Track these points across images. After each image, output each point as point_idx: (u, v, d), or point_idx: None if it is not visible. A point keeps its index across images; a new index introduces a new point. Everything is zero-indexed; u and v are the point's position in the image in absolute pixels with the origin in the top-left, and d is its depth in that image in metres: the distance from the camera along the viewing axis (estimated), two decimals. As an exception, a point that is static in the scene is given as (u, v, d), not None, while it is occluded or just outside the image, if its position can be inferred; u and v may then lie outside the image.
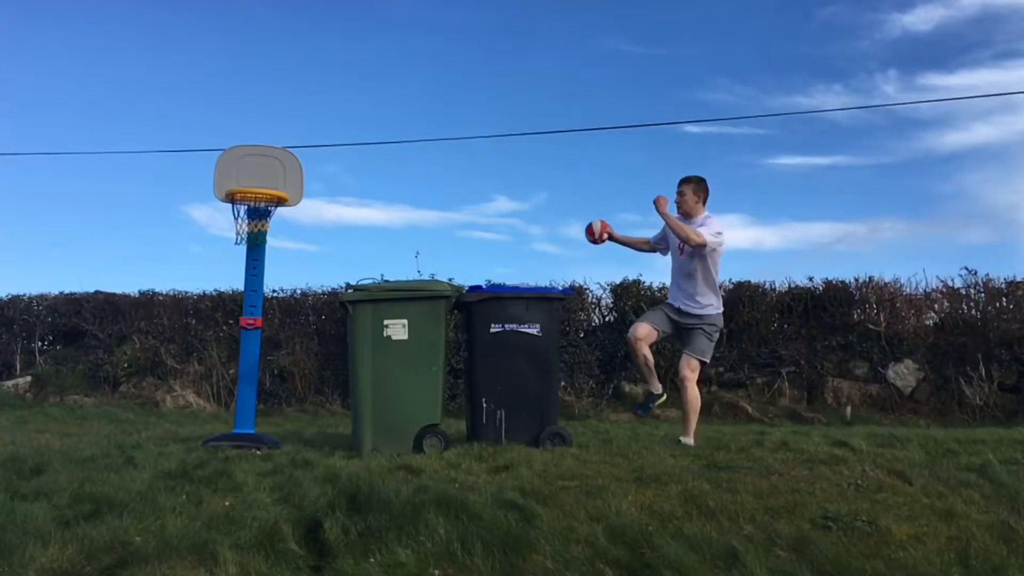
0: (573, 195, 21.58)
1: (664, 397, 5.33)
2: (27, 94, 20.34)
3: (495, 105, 20.45)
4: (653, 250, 5.44)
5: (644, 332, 5.13)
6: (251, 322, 5.74)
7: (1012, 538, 2.73)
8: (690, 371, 5.04)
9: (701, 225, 5.01)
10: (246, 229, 5.77)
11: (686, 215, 5.10)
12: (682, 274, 5.13)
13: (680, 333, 5.21)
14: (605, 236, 5.31)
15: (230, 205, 5.73)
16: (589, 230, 5.30)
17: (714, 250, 5.01)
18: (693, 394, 5.07)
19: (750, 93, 19.23)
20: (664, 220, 5.09)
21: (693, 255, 5.02)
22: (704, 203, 5.16)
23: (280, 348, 10.24)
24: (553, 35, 20.81)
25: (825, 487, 3.51)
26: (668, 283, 5.45)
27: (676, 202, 5.15)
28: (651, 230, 5.46)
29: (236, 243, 5.77)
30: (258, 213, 5.76)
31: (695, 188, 5.14)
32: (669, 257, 5.30)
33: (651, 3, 20.31)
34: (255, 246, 5.78)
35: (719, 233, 5.01)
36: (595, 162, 20.76)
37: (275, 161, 5.80)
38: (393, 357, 4.90)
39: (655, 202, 5.08)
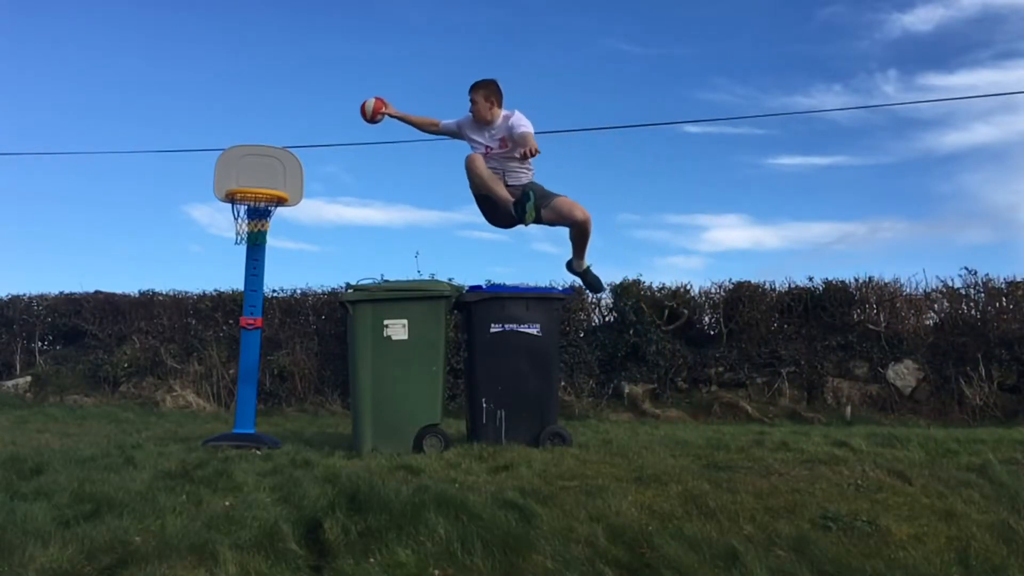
0: (573, 195, 21.54)
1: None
2: (27, 94, 20.34)
3: (495, 105, 20.41)
4: (437, 134, 5.10)
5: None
6: (251, 322, 5.74)
7: (1012, 538, 2.73)
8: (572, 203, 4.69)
9: (516, 127, 4.71)
10: (246, 229, 5.77)
11: (483, 121, 4.79)
12: (508, 158, 4.77)
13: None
14: (380, 116, 5.02)
15: (230, 205, 5.74)
16: (362, 109, 5.01)
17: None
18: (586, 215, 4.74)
19: (750, 93, 19.21)
20: (523, 144, 4.74)
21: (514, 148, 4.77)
22: (500, 104, 4.84)
23: (280, 348, 10.24)
24: (553, 35, 20.80)
25: (825, 487, 3.51)
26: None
27: (470, 111, 4.83)
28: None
29: (236, 243, 5.78)
30: (258, 213, 5.76)
31: (486, 93, 4.80)
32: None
33: (651, 3, 20.31)
34: (255, 246, 5.78)
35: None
36: (595, 162, 20.74)
37: (275, 161, 5.80)
38: (393, 357, 4.90)
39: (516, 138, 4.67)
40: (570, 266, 4.88)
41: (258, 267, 5.80)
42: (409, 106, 5.21)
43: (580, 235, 4.71)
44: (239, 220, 5.74)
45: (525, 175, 4.80)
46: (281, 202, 5.76)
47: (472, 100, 4.81)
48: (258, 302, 5.81)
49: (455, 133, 4.94)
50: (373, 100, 4.96)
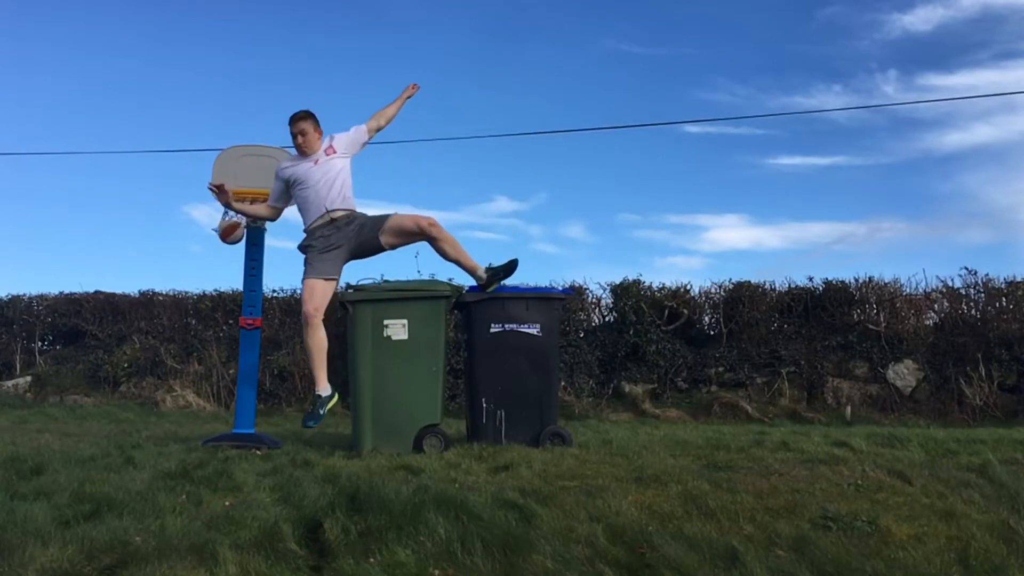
0: (573, 195, 21.59)
1: (336, 398, 4.78)
2: (27, 94, 20.35)
3: (495, 105, 20.46)
4: (279, 211, 5.13)
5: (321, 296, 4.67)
6: (251, 322, 5.74)
7: (1012, 538, 2.73)
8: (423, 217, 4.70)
9: (340, 152, 4.85)
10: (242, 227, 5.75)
11: (310, 150, 4.82)
12: (333, 183, 4.80)
13: (360, 242, 4.78)
14: (235, 234, 5.41)
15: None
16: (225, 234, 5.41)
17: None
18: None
19: (750, 93, 19.23)
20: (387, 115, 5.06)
21: (342, 162, 4.88)
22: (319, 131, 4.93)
23: (280, 348, 10.24)
24: (553, 35, 20.81)
25: (825, 487, 3.51)
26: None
27: (299, 144, 4.83)
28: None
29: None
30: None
31: (314, 123, 4.87)
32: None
33: (651, 3, 20.32)
34: (254, 246, 5.78)
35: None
36: (595, 162, 20.76)
37: (273, 161, 5.78)
38: (393, 357, 4.90)
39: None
40: (480, 284, 4.79)
41: (257, 267, 5.80)
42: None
43: (441, 243, 4.63)
44: (225, 216, 5.69)
45: (350, 198, 4.82)
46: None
47: (303, 131, 4.82)
48: (258, 302, 5.81)
49: (286, 189, 4.93)
50: (223, 223, 5.37)
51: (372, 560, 2.54)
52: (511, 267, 4.74)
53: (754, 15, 19.72)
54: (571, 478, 3.75)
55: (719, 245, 19.80)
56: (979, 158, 19.30)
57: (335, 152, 4.85)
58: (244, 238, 5.66)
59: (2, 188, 20.50)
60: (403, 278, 5.32)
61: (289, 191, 4.92)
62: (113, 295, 11.56)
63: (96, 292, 11.63)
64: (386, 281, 5.11)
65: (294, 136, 4.83)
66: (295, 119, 4.84)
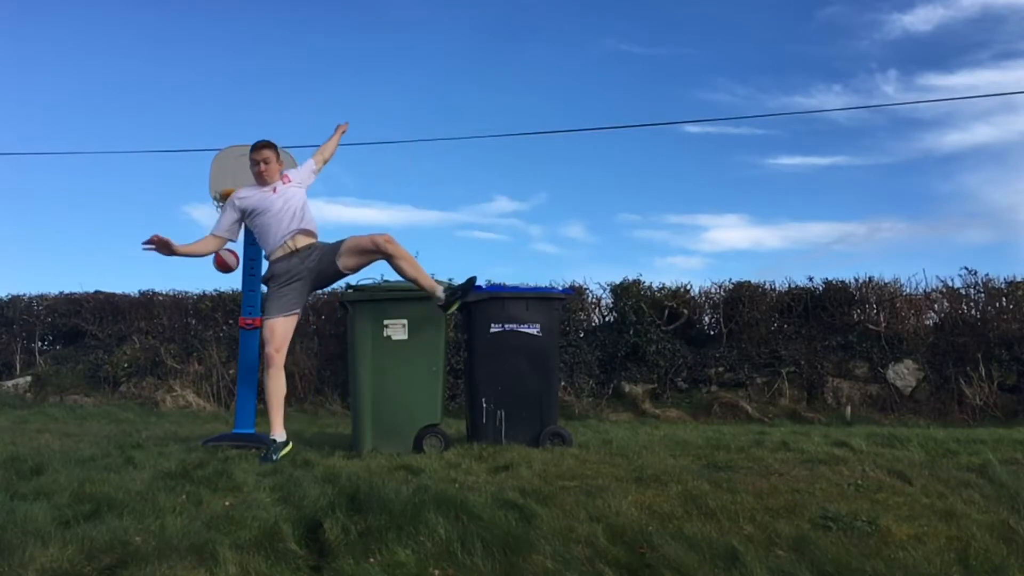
0: (573, 195, 21.58)
1: (290, 447, 4.50)
2: (27, 94, 20.35)
3: (495, 105, 20.45)
4: (226, 241, 4.96)
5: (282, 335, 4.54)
6: (250, 322, 5.74)
7: (1012, 538, 2.73)
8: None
9: (296, 182, 4.87)
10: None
11: (270, 179, 4.79)
12: (295, 211, 4.75)
13: (320, 270, 4.68)
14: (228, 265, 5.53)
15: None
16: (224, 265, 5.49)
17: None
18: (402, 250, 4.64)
19: (750, 93, 19.22)
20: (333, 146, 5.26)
21: (300, 191, 4.89)
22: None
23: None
24: (553, 35, 20.80)
25: (825, 487, 3.51)
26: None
27: (260, 172, 4.78)
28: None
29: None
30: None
31: (277, 154, 4.87)
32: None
33: (651, 3, 20.31)
34: (252, 245, 5.78)
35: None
36: (595, 162, 20.76)
37: (271, 161, 5.79)
38: (393, 357, 4.90)
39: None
40: (439, 305, 4.64)
41: (256, 267, 5.80)
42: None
43: (398, 261, 4.55)
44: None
45: (311, 224, 4.79)
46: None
47: (266, 160, 4.78)
48: (257, 302, 5.80)
49: (239, 220, 4.81)
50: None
51: (372, 560, 2.54)
52: (469, 286, 4.61)
53: (754, 15, 19.73)
54: (571, 478, 3.75)
55: (719, 245, 19.80)
56: (979, 158, 19.30)
57: (291, 181, 4.85)
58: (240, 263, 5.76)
59: (2, 188, 20.51)
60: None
61: (243, 221, 4.82)
62: (113, 295, 11.56)
63: (96, 292, 11.63)
64: (386, 281, 5.11)
65: (257, 163, 4.78)
66: (260, 147, 4.82)
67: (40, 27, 19.98)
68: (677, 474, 3.75)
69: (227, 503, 3.22)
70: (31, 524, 2.77)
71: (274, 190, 4.76)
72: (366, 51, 21.17)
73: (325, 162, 5.21)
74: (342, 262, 4.58)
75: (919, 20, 18.80)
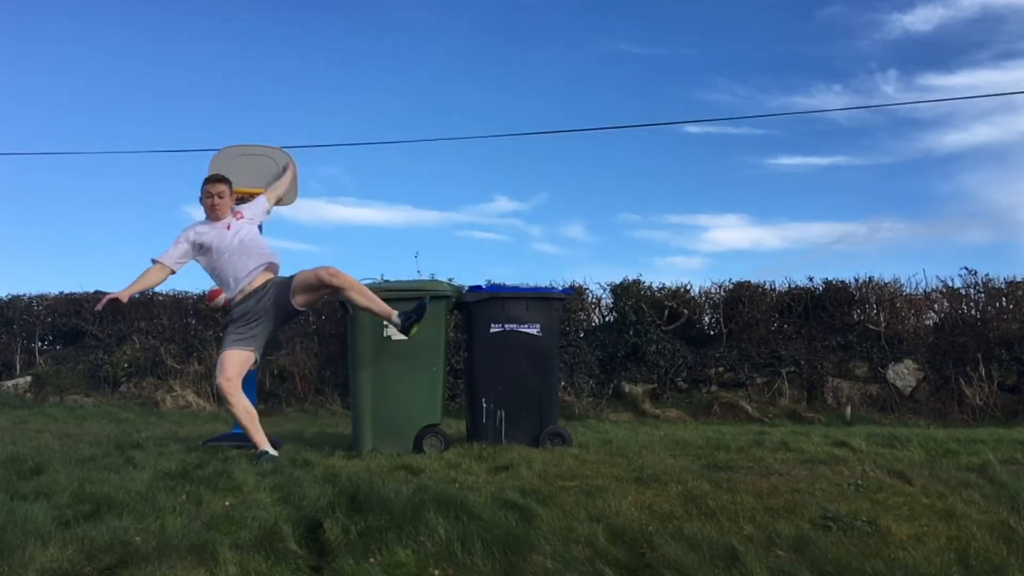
0: (573, 195, 21.60)
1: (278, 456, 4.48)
2: (27, 94, 20.35)
3: (495, 105, 20.46)
4: (170, 274, 4.81)
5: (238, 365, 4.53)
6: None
7: (1012, 538, 2.73)
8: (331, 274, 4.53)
9: (248, 218, 4.93)
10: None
11: (223, 214, 4.81)
12: (249, 249, 4.76)
13: (278, 308, 4.67)
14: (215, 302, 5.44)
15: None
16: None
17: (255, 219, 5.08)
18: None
19: (750, 93, 19.23)
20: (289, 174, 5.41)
21: (252, 227, 4.95)
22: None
23: (280, 348, 10.24)
24: (553, 35, 20.81)
25: (825, 487, 3.51)
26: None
27: (214, 205, 4.78)
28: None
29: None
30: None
31: (231, 188, 4.91)
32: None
33: (651, 3, 20.32)
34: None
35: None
36: (595, 162, 20.77)
37: (269, 160, 5.78)
38: (393, 357, 4.90)
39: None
40: (400, 331, 4.59)
41: (258, 267, 5.80)
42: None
43: (347, 292, 4.52)
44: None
45: (267, 255, 4.80)
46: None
47: (221, 194, 4.79)
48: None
49: (189, 252, 4.76)
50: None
51: (372, 560, 2.53)
52: (422, 309, 4.54)
53: (754, 15, 19.73)
54: (571, 478, 3.76)
55: (719, 245, 19.82)
56: (979, 158, 19.32)
57: (243, 217, 4.87)
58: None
59: (2, 188, 20.51)
60: (403, 278, 5.34)
61: (193, 255, 4.78)
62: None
63: (96, 292, 11.60)
64: (386, 281, 5.11)
65: (211, 196, 4.77)
66: (215, 181, 4.83)
67: (40, 27, 19.99)
68: (677, 474, 3.75)
69: (227, 503, 3.22)
70: (31, 524, 2.76)
71: (228, 226, 4.77)
72: (366, 51, 21.18)
73: (279, 201, 5.27)
74: (296, 300, 4.59)
75: (919, 20, 18.82)
